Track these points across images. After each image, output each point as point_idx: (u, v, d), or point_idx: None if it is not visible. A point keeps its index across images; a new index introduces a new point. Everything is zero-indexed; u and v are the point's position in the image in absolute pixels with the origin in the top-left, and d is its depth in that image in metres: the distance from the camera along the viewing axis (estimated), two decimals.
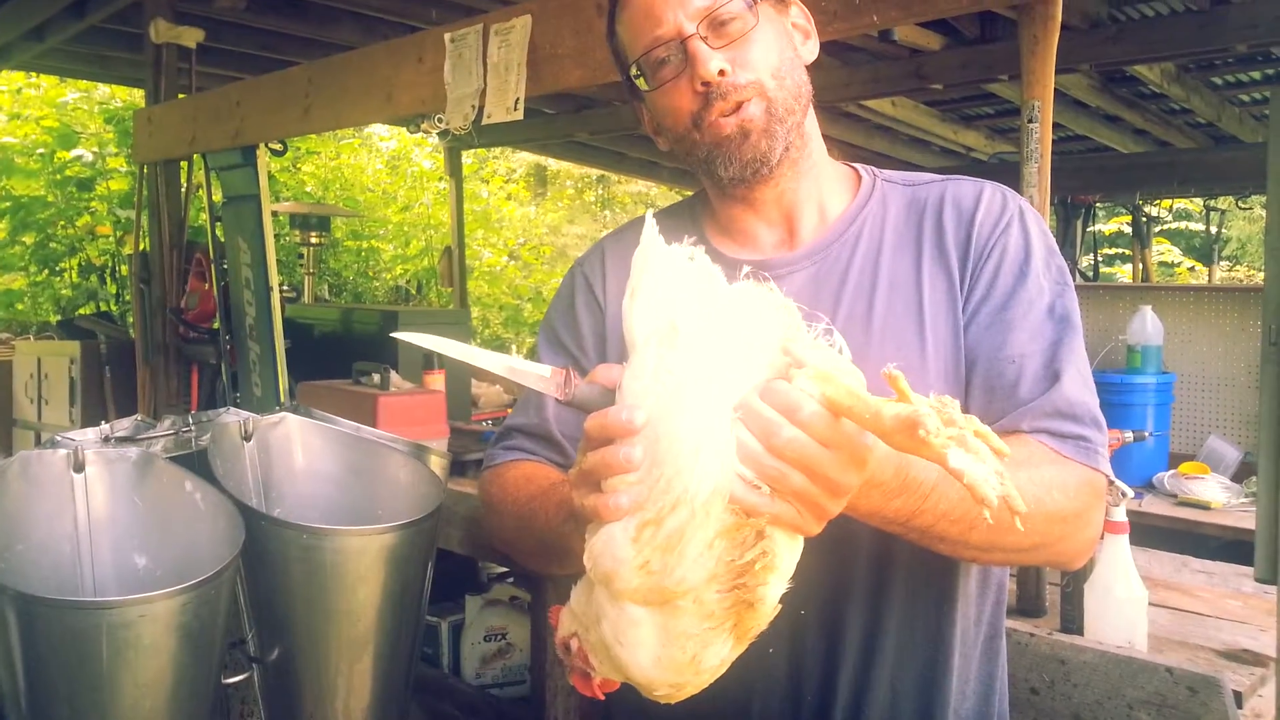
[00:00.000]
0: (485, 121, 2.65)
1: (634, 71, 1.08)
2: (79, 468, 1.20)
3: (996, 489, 0.66)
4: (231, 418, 1.45)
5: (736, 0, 1.03)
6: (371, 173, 9.07)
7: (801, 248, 1.10)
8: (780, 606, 0.76)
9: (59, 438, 1.44)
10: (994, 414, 1.00)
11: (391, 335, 1.00)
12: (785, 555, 0.75)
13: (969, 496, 0.79)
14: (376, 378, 2.79)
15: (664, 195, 12.37)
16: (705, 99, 1.04)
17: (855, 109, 5.00)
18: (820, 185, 1.13)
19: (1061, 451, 0.97)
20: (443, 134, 3.06)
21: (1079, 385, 1.00)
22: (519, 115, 2.60)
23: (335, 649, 1.25)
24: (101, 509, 1.21)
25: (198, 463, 1.33)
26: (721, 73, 1.02)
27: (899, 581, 1.03)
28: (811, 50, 1.12)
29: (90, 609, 1.02)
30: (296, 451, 1.41)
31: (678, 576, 0.73)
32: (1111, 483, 1.03)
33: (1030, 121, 1.76)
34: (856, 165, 1.18)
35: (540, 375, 0.84)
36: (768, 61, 1.04)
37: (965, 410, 0.98)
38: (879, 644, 1.03)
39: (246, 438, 1.37)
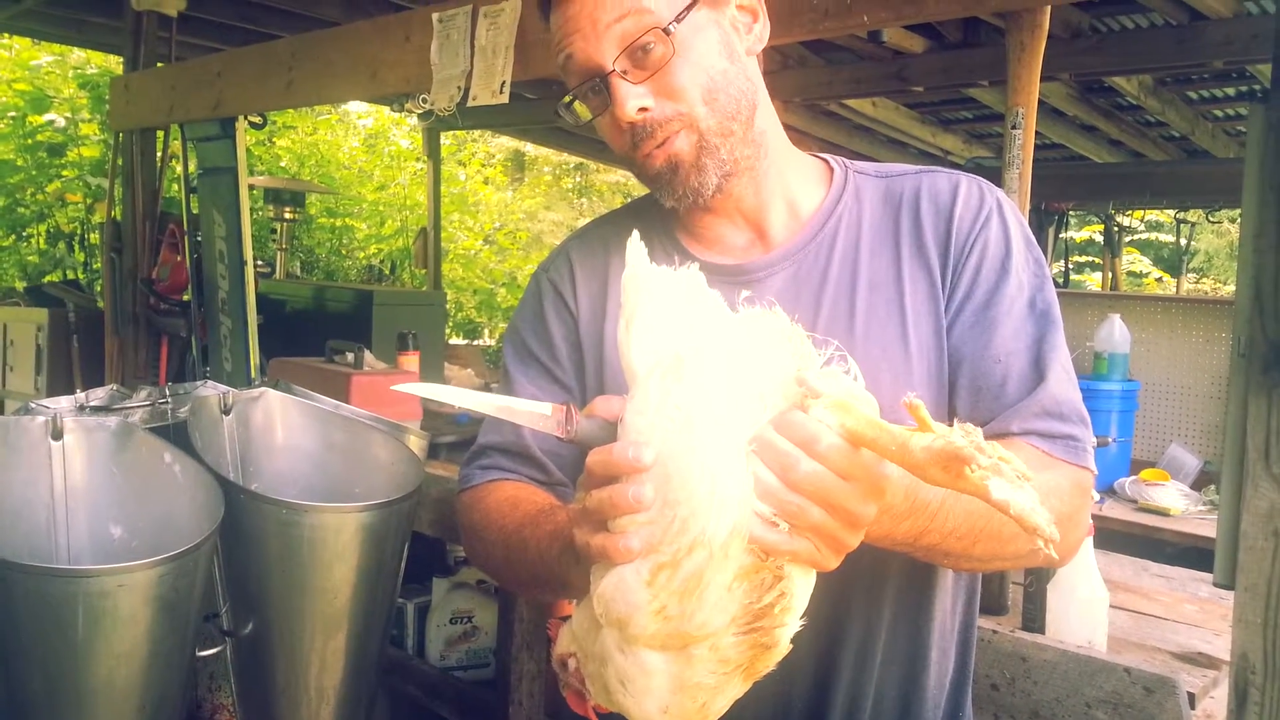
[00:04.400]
0: (470, 104, 2.64)
1: (567, 100, 1.04)
2: (57, 435, 1.19)
3: (1045, 516, 0.64)
4: (210, 390, 1.45)
5: (654, 27, 0.95)
6: (348, 150, 8.99)
7: (776, 249, 1.07)
8: (791, 647, 0.74)
9: (34, 405, 1.43)
10: (981, 415, 0.99)
11: (393, 388, 0.99)
12: (801, 593, 0.73)
13: (974, 513, 0.83)
14: (350, 356, 2.79)
15: (640, 186, 12.32)
16: (632, 137, 1.00)
17: (836, 108, 5.03)
18: (787, 181, 1.08)
19: (1052, 453, 0.97)
20: (426, 114, 3.05)
21: (1065, 382, 1.00)
22: (505, 99, 2.60)
23: (310, 625, 1.25)
24: (79, 478, 1.20)
25: (174, 435, 1.32)
26: (643, 110, 0.97)
27: (891, 587, 1.03)
28: (760, 35, 1.05)
29: (68, 577, 1.02)
30: (276, 427, 1.41)
31: (698, 622, 0.70)
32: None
33: (1014, 128, 1.78)
34: (826, 156, 1.13)
35: (540, 414, 0.80)
36: (696, 84, 0.98)
37: (952, 412, 1.00)
38: (872, 649, 1.02)
39: (226, 411, 1.36)
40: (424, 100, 2.85)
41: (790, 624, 0.73)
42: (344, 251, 8.60)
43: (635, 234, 0.83)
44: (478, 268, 9.50)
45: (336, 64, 3.06)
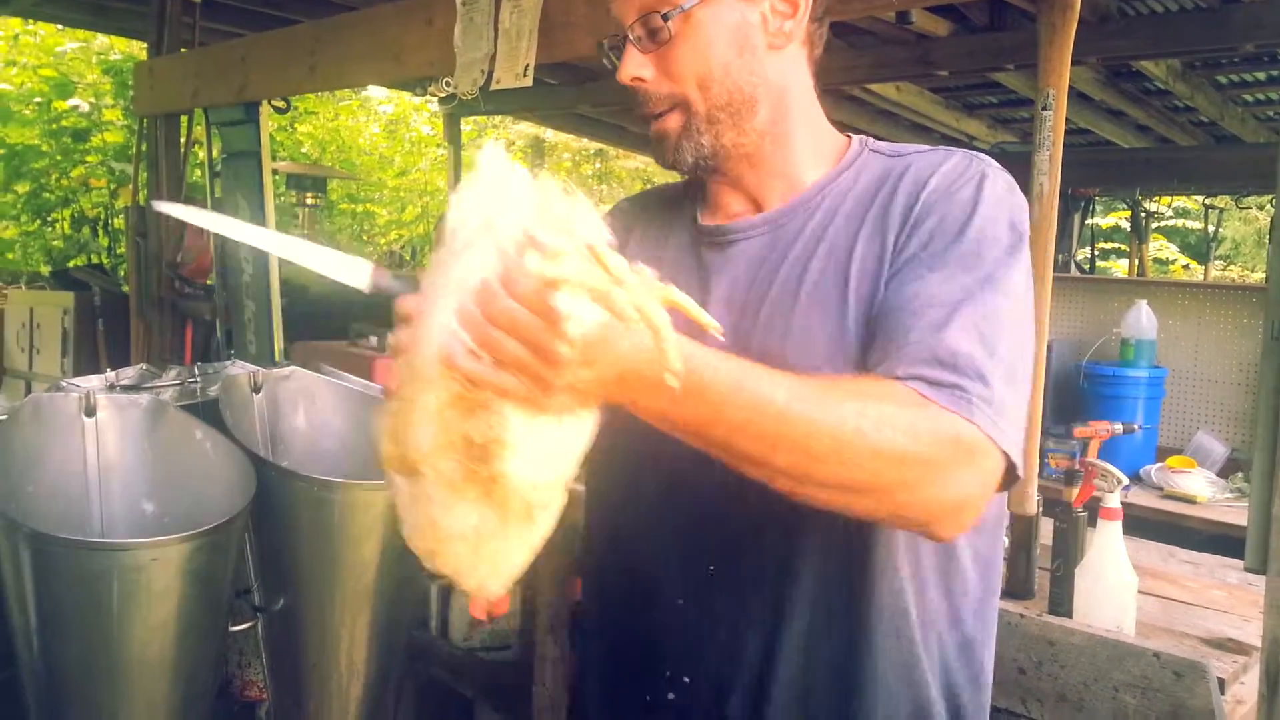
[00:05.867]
0: (494, 87, 2.64)
1: (603, 43, 1.09)
2: (90, 412, 1.20)
3: (674, 347, 0.73)
4: (240, 369, 1.45)
5: (668, 7, 1.01)
6: (369, 136, 9.00)
7: (759, 215, 1.09)
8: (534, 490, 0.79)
9: (65, 384, 1.44)
10: (876, 361, 0.94)
11: (154, 204, 1.02)
12: (522, 433, 0.76)
13: (766, 411, 0.82)
14: (374, 339, 2.80)
15: (661, 172, 12.30)
16: (632, 95, 1.06)
17: (859, 93, 4.98)
18: (793, 160, 1.10)
19: (930, 398, 0.88)
20: (448, 98, 3.04)
21: (970, 339, 0.91)
22: (528, 82, 2.59)
23: (339, 601, 1.26)
24: (112, 454, 1.21)
25: (204, 413, 1.33)
26: (638, 79, 1.04)
27: (811, 551, 0.99)
28: (792, 31, 1.06)
29: (104, 550, 1.03)
30: (305, 406, 1.41)
31: (412, 444, 0.77)
32: (1011, 459, 0.89)
33: (1044, 109, 1.76)
34: (855, 136, 1.13)
35: (355, 270, 0.88)
36: (693, 70, 1.03)
37: (862, 365, 0.97)
38: (788, 610, 1.00)
39: (256, 390, 1.37)
40: (447, 84, 2.85)
41: (513, 461, 0.76)
42: (365, 237, 8.63)
43: (498, 145, 0.86)
44: None
45: (359, 48, 3.06)
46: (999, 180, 1.01)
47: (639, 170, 12.42)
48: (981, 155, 1.04)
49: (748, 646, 1.01)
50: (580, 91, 5.46)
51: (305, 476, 1.22)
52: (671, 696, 1.05)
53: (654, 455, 1.00)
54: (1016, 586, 1.79)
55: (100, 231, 6.77)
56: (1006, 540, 1.57)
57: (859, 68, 4.21)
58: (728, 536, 1.02)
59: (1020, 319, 0.96)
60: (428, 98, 3.38)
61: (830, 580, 1.00)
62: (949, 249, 0.96)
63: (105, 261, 6.50)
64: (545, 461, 0.79)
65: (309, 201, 6.29)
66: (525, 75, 2.61)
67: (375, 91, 8.86)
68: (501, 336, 0.74)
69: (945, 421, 0.87)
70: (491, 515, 0.80)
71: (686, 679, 1.05)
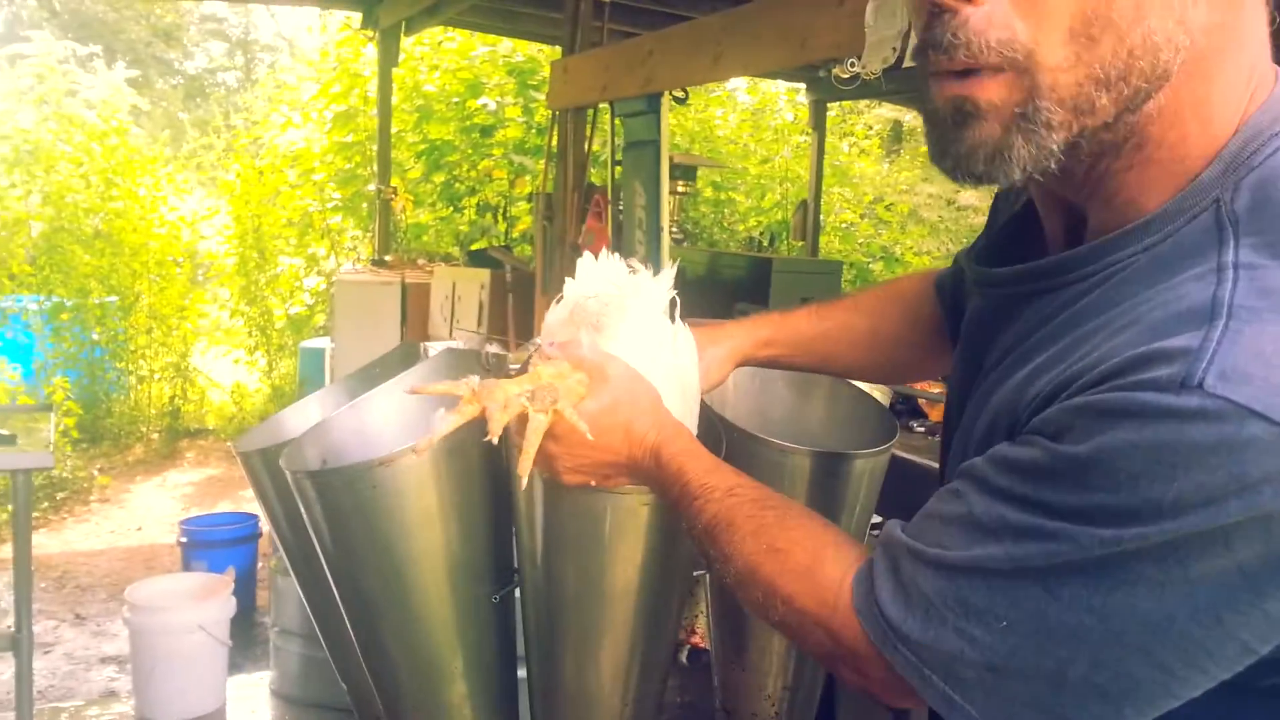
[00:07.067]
0: (906, 64, 2.61)
1: None
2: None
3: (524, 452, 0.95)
4: None
5: None
6: (734, 124, 9.25)
7: (1048, 259, 0.74)
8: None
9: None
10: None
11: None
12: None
13: (694, 519, 0.88)
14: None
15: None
16: (924, 34, 0.67)
17: None
18: (1147, 177, 0.68)
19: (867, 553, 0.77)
20: (849, 80, 3.05)
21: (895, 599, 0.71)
22: None
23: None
24: None
25: None
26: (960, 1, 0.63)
27: None
28: None
29: (598, 492, 1.11)
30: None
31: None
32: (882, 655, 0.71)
33: None
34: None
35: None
36: (1068, 9, 0.62)
37: None
38: None
39: None
40: (851, 64, 2.85)
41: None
42: (726, 224, 8.89)
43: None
44: (854, 241, 9.42)
45: (764, 35, 3.15)
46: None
47: None
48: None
49: None
50: None
51: (767, 440, 1.27)
52: None
53: None
54: None
55: (499, 218, 7.53)
56: None
57: None
58: None
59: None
60: (833, 77, 3.38)
61: None
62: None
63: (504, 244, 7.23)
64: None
65: (680, 189, 6.58)
66: None
67: (737, 82, 9.10)
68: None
69: (841, 578, 0.76)
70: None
71: None
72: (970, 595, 0.65)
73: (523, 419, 0.93)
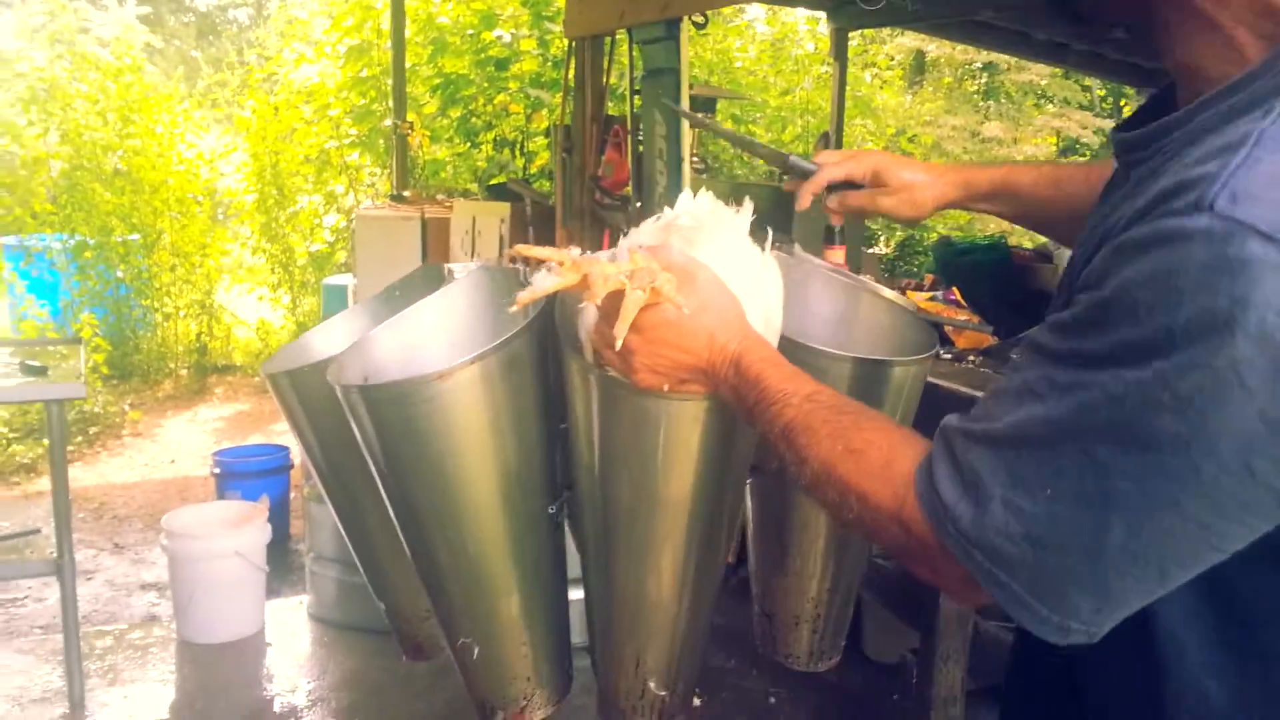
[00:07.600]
0: None
1: None
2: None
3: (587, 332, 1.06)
4: None
5: None
6: (754, 54, 9.10)
7: (1138, 131, 0.79)
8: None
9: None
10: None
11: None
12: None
13: (773, 422, 0.89)
14: (779, 246, 2.86)
15: (1058, 83, 11.33)
16: None
17: None
18: (1213, 53, 0.72)
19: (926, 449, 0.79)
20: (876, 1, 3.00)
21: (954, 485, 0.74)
22: None
23: None
24: None
25: None
26: None
27: None
28: None
29: (655, 397, 1.12)
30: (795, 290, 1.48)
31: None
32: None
33: None
34: None
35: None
36: None
37: None
38: None
39: None
40: None
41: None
42: (745, 157, 8.80)
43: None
44: None
45: None
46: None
47: (1031, 83, 11.51)
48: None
49: None
50: None
51: (808, 346, 1.26)
52: None
53: None
54: None
55: (516, 153, 7.48)
56: None
57: None
58: None
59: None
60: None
61: None
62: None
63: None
64: None
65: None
66: None
67: (755, 11, 8.92)
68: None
69: (911, 463, 0.79)
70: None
71: None
72: (1015, 464, 0.68)
73: (618, 294, 0.92)
